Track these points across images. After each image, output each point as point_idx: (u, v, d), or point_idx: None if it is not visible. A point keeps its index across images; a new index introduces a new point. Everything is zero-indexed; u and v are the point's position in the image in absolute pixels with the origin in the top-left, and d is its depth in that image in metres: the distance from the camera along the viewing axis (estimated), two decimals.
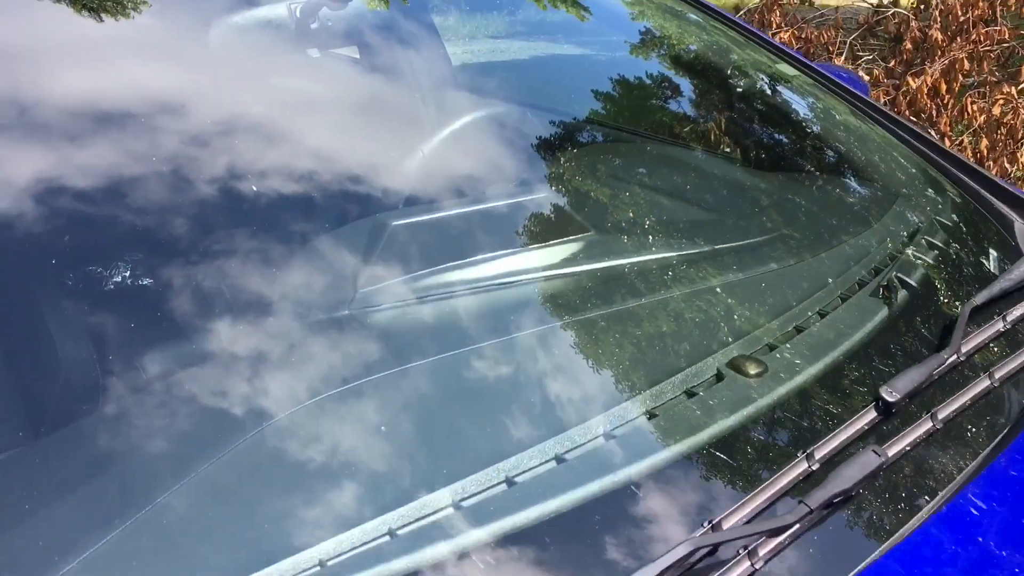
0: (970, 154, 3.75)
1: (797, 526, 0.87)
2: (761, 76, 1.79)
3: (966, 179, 1.58)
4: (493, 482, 0.89)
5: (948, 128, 3.85)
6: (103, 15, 1.33)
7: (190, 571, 0.80)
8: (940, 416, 1.03)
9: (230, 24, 1.44)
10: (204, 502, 0.85)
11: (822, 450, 0.95)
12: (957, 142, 3.82)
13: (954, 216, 1.46)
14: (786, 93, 1.78)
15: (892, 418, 1.02)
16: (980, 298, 1.19)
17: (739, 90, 1.74)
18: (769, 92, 1.76)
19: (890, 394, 1.01)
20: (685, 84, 1.79)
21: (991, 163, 3.68)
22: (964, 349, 1.13)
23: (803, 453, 0.94)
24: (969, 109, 3.76)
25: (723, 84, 1.77)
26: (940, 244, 1.35)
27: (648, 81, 1.75)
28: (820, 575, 0.85)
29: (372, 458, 0.91)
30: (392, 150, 1.37)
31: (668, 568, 0.78)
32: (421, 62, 1.70)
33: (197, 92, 1.28)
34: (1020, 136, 3.65)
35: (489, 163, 1.43)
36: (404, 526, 0.84)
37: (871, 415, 1.01)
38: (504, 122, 1.61)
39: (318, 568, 0.79)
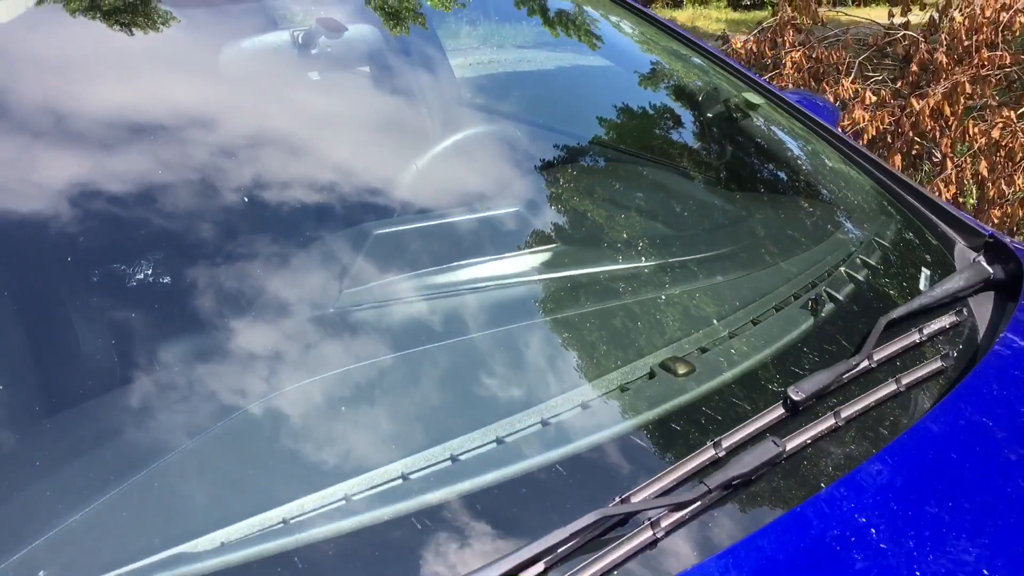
0: (969, 175, 3.85)
1: (698, 503, 1.00)
2: (729, 102, 1.93)
3: (915, 203, 1.70)
4: (441, 458, 1.04)
5: (949, 149, 3.95)
6: (131, 37, 1.50)
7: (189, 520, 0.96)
8: (843, 415, 1.16)
9: (238, 48, 1.61)
10: (197, 467, 1.01)
11: (729, 439, 1.09)
12: (958, 163, 3.91)
13: (896, 237, 1.59)
14: (752, 120, 1.92)
15: (797, 415, 1.15)
16: (898, 312, 1.33)
17: (707, 115, 1.89)
18: (734, 117, 1.90)
19: (796, 393, 1.15)
20: (660, 107, 1.93)
21: (990, 184, 3.77)
22: (876, 357, 1.26)
23: (712, 441, 1.08)
24: (970, 131, 3.86)
25: (693, 108, 1.92)
26: (875, 263, 1.49)
27: (626, 102, 1.90)
28: (711, 545, 0.99)
29: (334, 435, 1.07)
30: (385, 163, 1.53)
31: (578, 532, 0.93)
32: (417, 82, 1.86)
33: (206, 108, 1.45)
34: (1019, 159, 3.74)
35: (475, 177, 1.59)
36: (357, 493, 0.99)
37: (778, 412, 1.14)
38: (495, 138, 1.77)
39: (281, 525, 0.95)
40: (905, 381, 1.24)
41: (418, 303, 1.28)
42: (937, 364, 1.28)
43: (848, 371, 1.20)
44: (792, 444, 1.10)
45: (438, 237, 1.42)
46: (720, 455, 1.07)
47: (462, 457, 1.05)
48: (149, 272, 1.21)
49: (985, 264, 1.48)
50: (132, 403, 1.07)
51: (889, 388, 1.22)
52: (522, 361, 1.22)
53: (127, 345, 1.14)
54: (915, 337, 1.32)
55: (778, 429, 1.13)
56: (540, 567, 0.91)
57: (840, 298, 1.38)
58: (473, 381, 1.18)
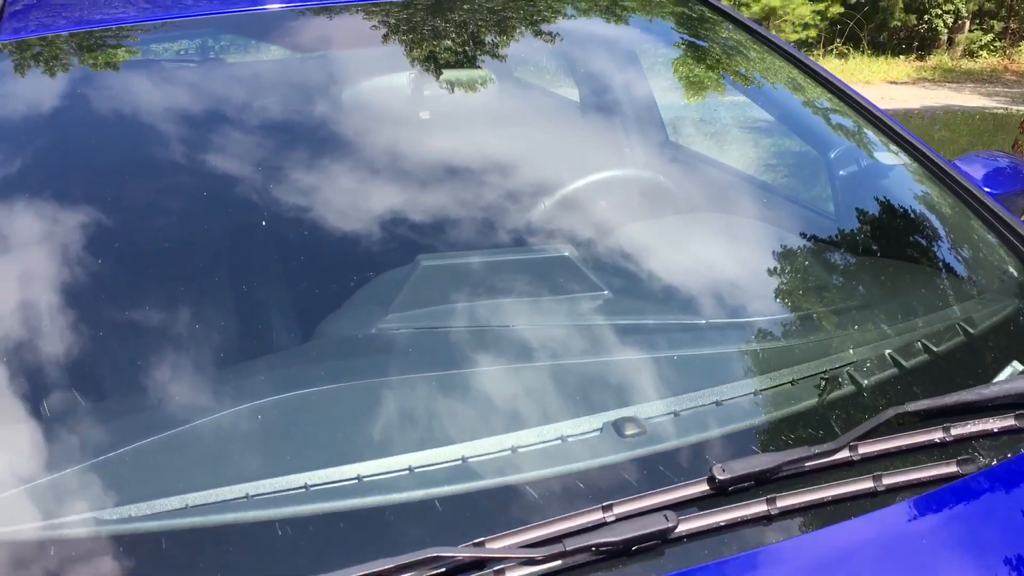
0: None
1: (552, 563, 0.97)
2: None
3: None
4: (348, 476, 1.11)
5: None
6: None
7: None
8: (779, 504, 1.05)
9: (359, 88, 1.80)
10: (234, 430, 1.19)
11: (624, 506, 1.03)
12: None
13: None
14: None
15: (727, 496, 1.06)
16: (920, 404, 1.16)
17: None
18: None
19: (721, 472, 1.06)
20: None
21: None
22: (862, 450, 1.12)
23: (602, 504, 1.03)
24: None
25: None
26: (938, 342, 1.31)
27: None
28: None
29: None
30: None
31: (404, 566, 0.94)
32: (535, 122, 1.93)
33: (329, 139, 1.66)
34: None
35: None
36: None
37: (700, 488, 1.06)
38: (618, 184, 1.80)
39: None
40: (887, 482, 1.08)
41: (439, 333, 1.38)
42: (950, 469, 1.10)
43: (806, 458, 1.09)
44: (687, 522, 1.02)
45: (480, 273, 1.49)
46: (608, 519, 1.03)
47: (367, 479, 1.11)
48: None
49: None
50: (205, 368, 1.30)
51: (863, 485, 1.08)
52: (499, 399, 1.25)
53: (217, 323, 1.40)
54: (933, 436, 1.15)
55: (691, 505, 1.05)
56: None
57: (852, 383, 1.24)
58: (435, 410, 1.23)
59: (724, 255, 1.62)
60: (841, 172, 1.82)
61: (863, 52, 14.06)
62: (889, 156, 1.75)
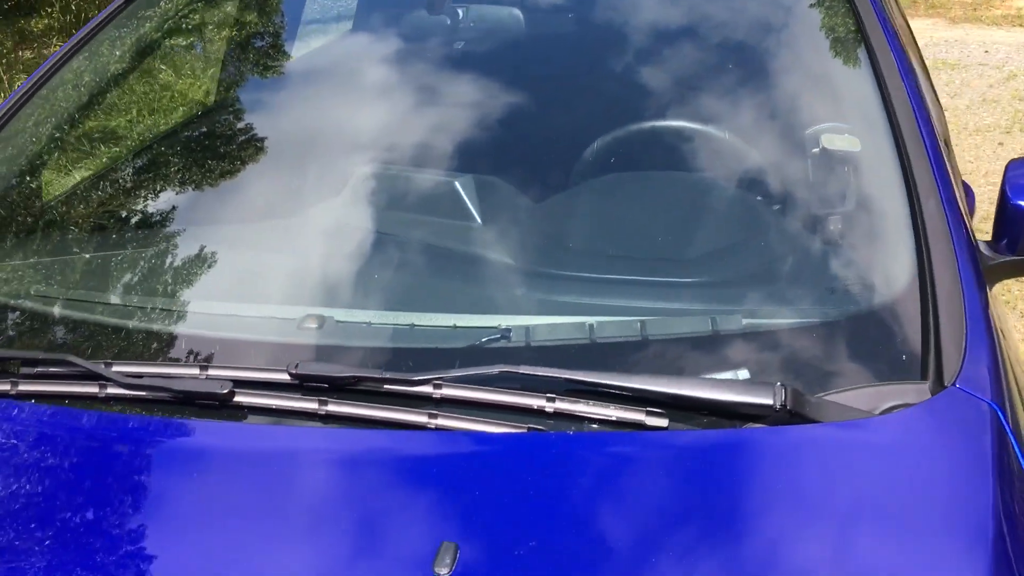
0: None
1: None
2: None
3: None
4: None
5: None
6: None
7: None
8: (330, 408, 1.16)
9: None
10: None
11: (229, 371, 1.22)
12: None
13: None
14: None
15: (294, 388, 1.20)
16: (527, 370, 1.16)
17: None
18: None
19: (295, 367, 1.18)
20: None
21: None
22: (447, 391, 1.16)
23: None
24: None
25: None
26: None
27: None
28: None
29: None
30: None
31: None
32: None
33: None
34: None
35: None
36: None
37: (279, 376, 1.21)
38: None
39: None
40: (439, 423, 1.14)
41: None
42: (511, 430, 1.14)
43: (384, 380, 1.17)
44: (253, 400, 1.19)
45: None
46: (213, 375, 1.23)
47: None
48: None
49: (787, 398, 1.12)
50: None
51: (413, 418, 1.15)
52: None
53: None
54: (536, 403, 1.16)
55: (261, 386, 1.20)
56: None
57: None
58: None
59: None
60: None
61: None
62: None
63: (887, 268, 1.38)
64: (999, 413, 1.13)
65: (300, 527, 1.03)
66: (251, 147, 1.83)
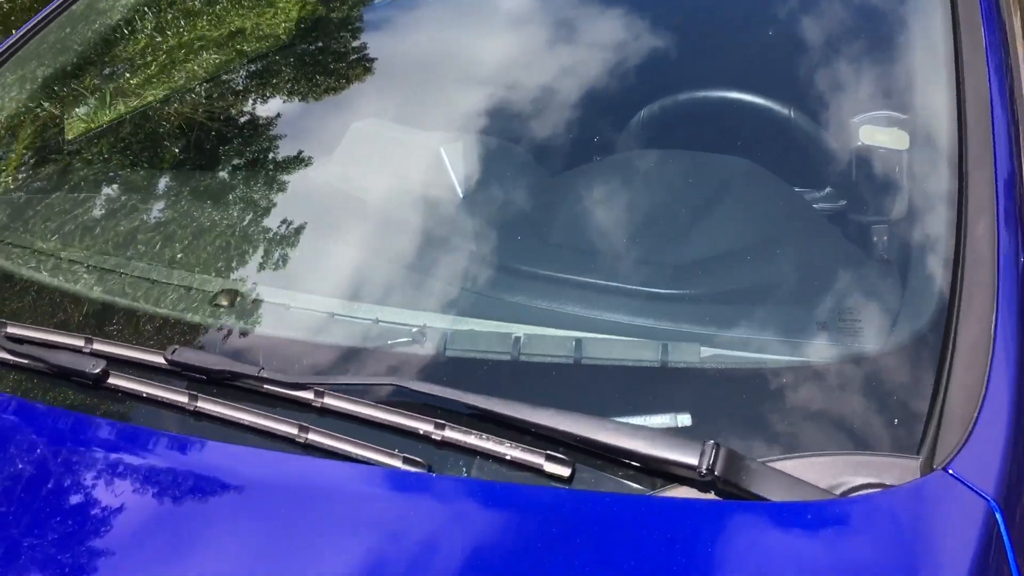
0: None
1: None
2: None
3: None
4: None
5: None
6: None
7: None
8: (200, 404, 1.04)
9: None
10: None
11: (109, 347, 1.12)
12: None
13: None
14: None
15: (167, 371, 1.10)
16: (419, 386, 1.01)
17: None
18: None
19: (171, 352, 1.07)
20: None
21: None
22: (329, 401, 1.02)
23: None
24: None
25: None
26: None
27: None
28: None
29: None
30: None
31: None
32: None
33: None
34: None
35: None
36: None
37: (155, 357, 1.10)
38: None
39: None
40: (311, 438, 1.00)
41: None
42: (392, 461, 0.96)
43: (262, 379, 1.04)
44: (122, 382, 1.08)
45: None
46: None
47: None
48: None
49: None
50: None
51: (285, 428, 1.01)
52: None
53: None
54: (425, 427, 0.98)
55: (134, 368, 1.10)
56: None
57: None
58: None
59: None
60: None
61: None
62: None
63: (897, 304, 1.08)
64: (998, 515, 0.85)
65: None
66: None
